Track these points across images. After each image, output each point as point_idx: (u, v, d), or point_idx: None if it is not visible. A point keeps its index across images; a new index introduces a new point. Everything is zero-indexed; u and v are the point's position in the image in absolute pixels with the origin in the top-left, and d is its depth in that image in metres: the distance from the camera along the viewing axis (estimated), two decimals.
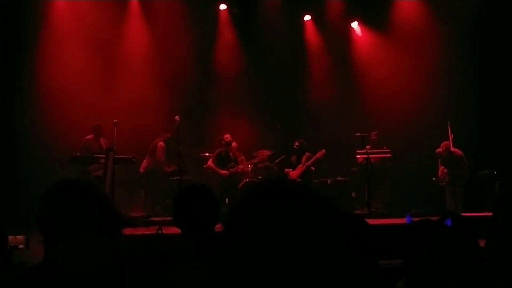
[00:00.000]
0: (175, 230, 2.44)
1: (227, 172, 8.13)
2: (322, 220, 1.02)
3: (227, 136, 8.40)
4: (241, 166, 8.33)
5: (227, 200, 8.01)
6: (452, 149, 8.36)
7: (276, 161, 9.14)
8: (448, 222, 1.84)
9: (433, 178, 8.65)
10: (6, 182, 7.63)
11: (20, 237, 4.52)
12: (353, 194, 9.21)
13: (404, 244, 1.79)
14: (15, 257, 4.47)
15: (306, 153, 8.39)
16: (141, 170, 8.72)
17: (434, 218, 1.93)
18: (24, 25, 8.55)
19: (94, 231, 1.54)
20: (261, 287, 0.94)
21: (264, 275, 0.94)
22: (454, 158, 8.33)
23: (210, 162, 8.42)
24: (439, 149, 8.50)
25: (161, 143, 8.71)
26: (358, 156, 8.64)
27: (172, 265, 2.31)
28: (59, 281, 1.44)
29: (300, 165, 8.34)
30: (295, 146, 8.48)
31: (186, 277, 2.23)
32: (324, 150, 8.30)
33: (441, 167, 8.57)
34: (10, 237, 4.49)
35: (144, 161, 8.75)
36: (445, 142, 8.46)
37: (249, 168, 8.65)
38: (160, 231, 5.89)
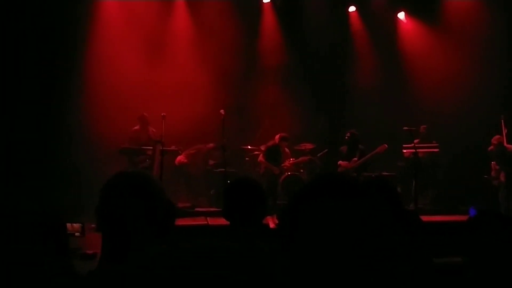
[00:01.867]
0: (221, 221, 2.48)
1: (278, 170, 8.06)
2: (379, 218, 1.01)
3: (284, 135, 8.25)
4: (286, 164, 8.25)
5: (268, 192, 7.99)
6: (506, 144, 8.00)
7: (318, 155, 9.07)
8: (472, 212, 1.77)
9: (485, 176, 8.30)
10: (63, 174, 7.98)
11: (76, 225, 4.71)
12: (399, 189, 9.01)
13: (466, 240, 1.74)
14: (72, 244, 4.67)
15: (360, 146, 8.10)
16: (176, 163, 8.71)
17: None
18: (73, 24, 8.81)
19: (150, 224, 1.58)
20: (319, 283, 0.95)
21: (322, 272, 0.94)
22: (508, 154, 7.96)
23: (261, 157, 8.29)
24: (491, 147, 8.14)
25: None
26: (405, 151, 8.43)
27: (221, 257, 2.35)
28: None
29: (355, 158, 8.10)
30: (346, 137, 8.15)
31: (236, 269, 2.26)
32: (386, 145, 7.95)
33: (493, 164, 8.20)
34: (68, 225, 4.69)
35: (182, 156, 8.79)
36: (496, 136, 8.10)
37: (291, 162, 8.56)
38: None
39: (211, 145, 8.81)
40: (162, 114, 7.42)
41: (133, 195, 1.57)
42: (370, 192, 1.06)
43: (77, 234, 4.71)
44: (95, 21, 9.24)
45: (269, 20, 10.41)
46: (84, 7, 9.09)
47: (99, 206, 1.58)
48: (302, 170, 8.76)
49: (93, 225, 5.76)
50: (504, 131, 8.07)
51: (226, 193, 2.44)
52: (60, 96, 8.58)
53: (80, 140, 8.45)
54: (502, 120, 8.09)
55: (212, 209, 7.71)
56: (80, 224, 4.75)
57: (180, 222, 6.00)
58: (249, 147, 9.06)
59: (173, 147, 8.34)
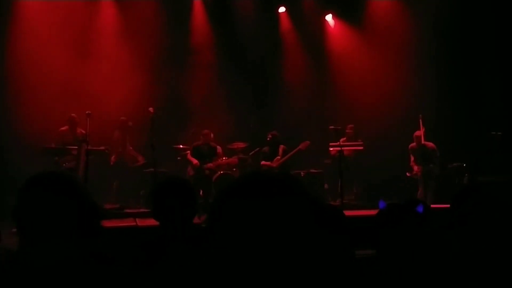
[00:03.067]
0: (150, 222, 2.45)
1: (198, 162, 8.07)
2: (303, 214, 1.04)
3: (206, 132, 8.34)
4: (212, 165, 8.28)
5: (201, 192, 8.00)
6: (424, 142, 8.54)
7: (250, 153, 9.17)
8: (420, 209, 1.89)
9: (407, 174, 8.80)
10: None
11: None
12: (326, 186, 9.34)
13: (375, 232, 1.85)
14: None
15: (281, 146, 8.40)
16: (111, 162, 8.64)
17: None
18: None
19: (72, 225, 1.53)
20: (243, 281, 0.96)
21: (245, 270, 0.96)
22: (427, 151, 8.52)
23: (188, 156, 8.36)
24: (413, 144, 8.64)
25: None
26: (331, 149, 8.73)
27: (150, 258, 2.32)
28: (29, 272, 1.42)
29: (278, 157, 8.32)
30: (268, 138, 8.47)
31: (166, 268, 2.24)
32: (308, 142, 8.27)
33: (412, 161, 8.71)
34: None
35: (113, 153, 8.66)
36: (416, 133, 8.60)
37: (224, 161, 8.61)
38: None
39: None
40: (87, 112, 7.18)
41: (54, 195, 1.52)
42: (294, 189, 1.09)
43: None
44: (17, 18, 8.88)
45: (199, 18, 10.36)
46: (6, 5, 8.75)
47: (15, 209, 1.52)
48: (234, 169, 8.83)
49: (14, 229, 5.43)
50: (422, 130, 8.59)
51: (155, 193, 2.41)
52: None
53: (4, 140, 8.06)
54: (421, 119, 8.61)
55: (141, 210, 7.54)
56: None
57: (108, 224, 5.81)
58: (180, 146, 8.97)
59: (102, 147, 8.07)
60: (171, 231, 2.33)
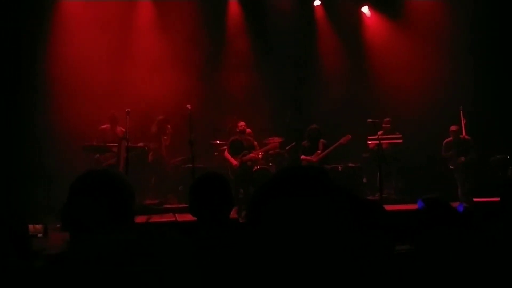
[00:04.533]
0: (190, 217, 2.48)
1: (238, 164, 8.07)
2: (341, 211, 1.03)
3: (241, 124, 8.35)
4: (252, 155, 8.27)
5: (241, 187, 8.02)
6: (462, 136, 8.33)
7: (286, 148, 9.15)
8: (460, 208, 1.85)
9: (450, 167, 8.58)
10: (24, 173, 7.78)
11: (38, 226, 4.59)
12: (365, 180, 9.21)
13: (414, 229, 1.82)
14: (34, 246, 4.55)
15: (321, 140, 8.22)
16: (149, 159, 8.76)
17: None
18: (36, 21, 8.66)
19: (113, 222, 1.57)
20: (282, 277, 0.97)
21: (285, 267, 0.96)
22: (464, 142, 8.30)
23: (226, 152, 8.33)
24: (449, 138, 8.48)
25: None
26: (369, 142, 8.61)
27: (188, 253, 2.36)
28: (76, 270, 1.47)
29: (319, 151, 8.15)
30: (309, 132, 8.26)
31: (204, 265, 2.27)
32: (349, 136, 8.09)
33: (450, 154, 8.51)
34: (30, 226, 4.56)
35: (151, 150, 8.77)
36: (452, 127, 8.41)
37: (260, 155, 8.62)
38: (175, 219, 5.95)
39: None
40: (127, 110, 7.33)
41: (100, 194, 1.56)
42: (332, 185, 1.08)
43: (39, 235, 4.58)
44: (57, 17, 9.10)
45: (235, 14, 10.39)
46: (48, 6, 8.97)
47: (66, 206, 1.57)
48: (271, 164, 8.83)
49: (58, 225, 5.64)
50: (463, 122, 8.36)
51: (192, 189, 2.43)
52: (25, 95, 8.42)
53: (47, 139, 8.29)
54: (461, 112, 8.37)
55: (181, 206, 7.67)
56: (43, 225, 4.63)
57: (148, 219, 5.94)
58: (218, 142, 9.05)
59: (140, 144, 8.24)
60: (208, 227, 2.36)
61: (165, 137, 8.77)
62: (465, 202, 7.34)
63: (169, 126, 8.73)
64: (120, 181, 1.63)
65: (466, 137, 8.36)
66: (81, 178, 1.60)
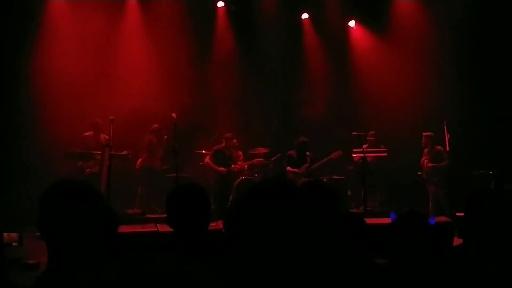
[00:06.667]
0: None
1: (225, 170, 8.06)
2: (319, 220, 1.02)
3: (228, 136, 8.34)
4: (238, 166, 8.25)
5: (222, 196, 7.99)
6: (447, 149, 8.41)
7: (272, 159, 9.14)
8: (432, 221, 1.86)
9: (418, 173, 8.64)
10: (8, 180, 7.65)
11: (13, 235, 4.48)
12: (349, 192, 9.23)
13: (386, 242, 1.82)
14: (9, 254, 4.44)
15: (308, 153, 8.21)
16: (137, 166, 8.70)
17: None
18: (21, 24, 8.59)
19: (92, 232, 1.55)
20: (262, 284, 0.95)
21: (264, 273, 0.95)
22: (437, 154, 8.36)
23: (207, 159, 8.39)
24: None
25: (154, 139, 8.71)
26: (354, 155, 8.65)
27: (166, 263, 2.31)
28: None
29: (306, 164, 8.16)
30: (297, 143, 8.26)
31: (179, 274, 2.22)
32: (340, 152, 8.12)
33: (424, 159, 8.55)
34: (4, 234, 4.45)
35: (140, 158, 8.73)
36: (424, 134, 8.46)
37: (246, 167, 8.63)
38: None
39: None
40: (111, 118, 7.24)
41: (71, 203, 1.55)
42: (311, 196, 1.07)
43: (14, 244, 4.46)
44: (43, 20, 9.03)
45: (223, 24, 10.42)
46: (33, 5, 8.88)
47: (39, 217, 1.54)
48: (256, 174, 8.82)
49: (37, 233, 5.53)
50: (447, 136, 8.44)
51: (168, 199, 2.36)
52: (7, 100, 8.32)
53: (29, 144, 8.20)
54: (445, 126, 8.46)
55: (163, 216, 7.57)
56: (18, 233, 4.51)
57: (130, 229, 5.85)
58: (203, 151, 9.01)
59: (124, 152, 8.16)
60: (184, 238, 2.30)
61: (159, 148, 8.71)
62: (449, 217, 7.38)
63: (166, 136, 8.67)
64: (94, 192, 1.62)
65: (438, 147, 8.41)
66: (53, 187, 1.57)
